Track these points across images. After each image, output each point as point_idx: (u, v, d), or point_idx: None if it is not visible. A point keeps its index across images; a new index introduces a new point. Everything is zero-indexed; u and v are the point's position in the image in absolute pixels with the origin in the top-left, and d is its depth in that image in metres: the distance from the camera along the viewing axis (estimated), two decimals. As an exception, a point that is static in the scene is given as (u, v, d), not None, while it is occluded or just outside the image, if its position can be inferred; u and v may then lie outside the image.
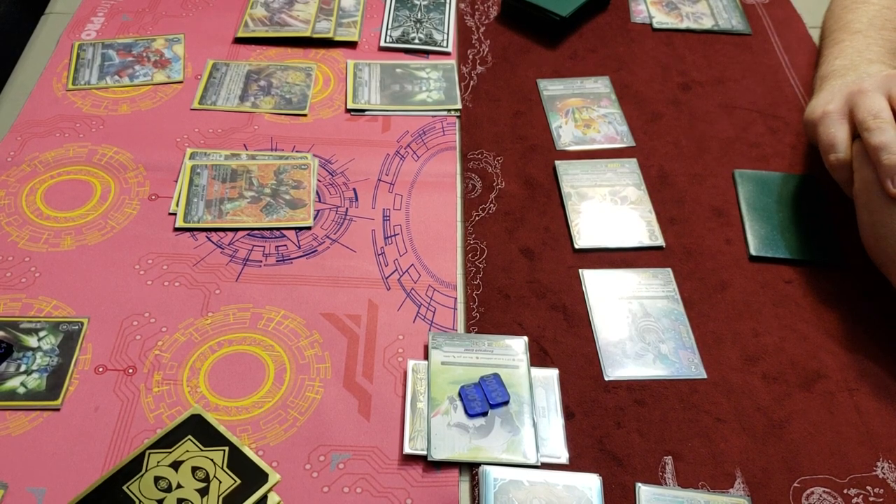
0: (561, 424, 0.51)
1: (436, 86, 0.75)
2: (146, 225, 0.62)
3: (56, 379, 0.52)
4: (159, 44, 0.78)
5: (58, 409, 0.51)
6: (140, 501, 0.44)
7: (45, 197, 0.64)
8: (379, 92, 0.74)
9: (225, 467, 0.45)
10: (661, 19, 0.84)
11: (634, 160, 0.68)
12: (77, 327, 0.55)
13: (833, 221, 0.64)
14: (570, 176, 0.67)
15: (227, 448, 0.46)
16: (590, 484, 0.48)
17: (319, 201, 0.65)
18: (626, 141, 0.70)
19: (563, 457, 0.50)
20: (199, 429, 0.47)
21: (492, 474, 0.48)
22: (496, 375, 0.53)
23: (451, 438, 0.50)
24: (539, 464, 0.49)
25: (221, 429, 0.47)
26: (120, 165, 0.67)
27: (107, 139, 0.69)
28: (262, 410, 0.51)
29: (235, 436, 0.47)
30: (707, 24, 0.83)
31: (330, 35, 0.79)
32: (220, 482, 0.45)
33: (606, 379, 0.54)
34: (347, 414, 0.51)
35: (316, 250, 0.61)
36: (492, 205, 0.65)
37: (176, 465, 0.45)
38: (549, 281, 0.59)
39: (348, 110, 0.73)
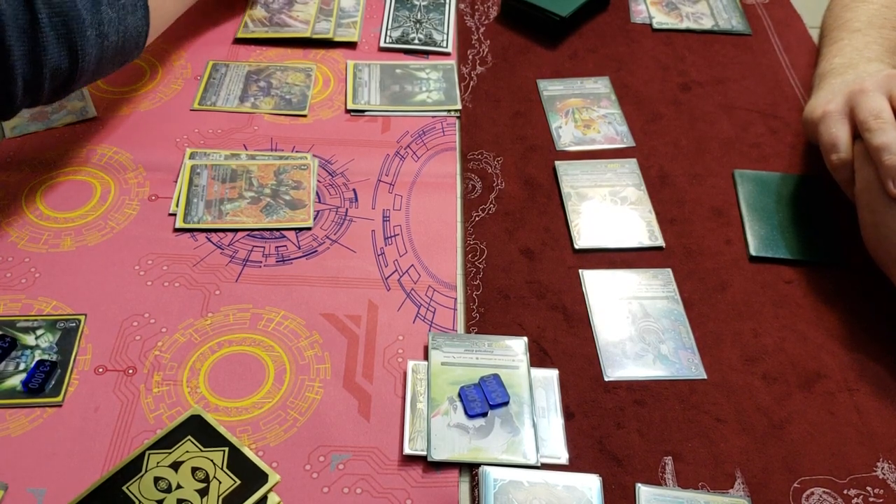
0: (561, 425, 0.51)
1: (436, 86, 0.75)
2: (146, 225, 0.62)
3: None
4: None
5: (59, 406, 0.51)
6: (140, 502, 0.44)
7: (45, 197, 0.64)
8: (379, 92, 0.74)
9: (225, 468, 0.45)
10: (661, 19, 0.84)
11: (634, 160, 0.68)
12: (74, 324, 0.55)
13: (833, 221, 0.64)
14: (570, 176, 0.67)
15: (226, 448, 0.46)
16: (590, 484, 0.48)
17: (319, 202, 0.65)
18: (626, 141, 0.70)
19: (562, 457, 0.50)
20: (199, 429, 0.47)
21: (492, 475, 0.48)
22: (496, 376, 0.53)
23: (451, 439, 0.50)
24: (539, 464, 0.49)
25: (221, 429, 0.47)
26: (119, 166, 0.67)
27: (106, 139, 0.69)
28: (261, 411, 0.51)
29: (235, 436, 0.47)
30: (707, 24, 0.83)
31: (330, 35, 0.79)
32: (220, 483, 0.45)
33: (606, 379, 0.54)
34: (347, 414, 0.51)
35: (316, 251, 0.61)
36: (492, 205, 0.65)
37: (176, 466, 0.45)
38: (549, 281, 0.59)
39: (348, 111, 0.73)
